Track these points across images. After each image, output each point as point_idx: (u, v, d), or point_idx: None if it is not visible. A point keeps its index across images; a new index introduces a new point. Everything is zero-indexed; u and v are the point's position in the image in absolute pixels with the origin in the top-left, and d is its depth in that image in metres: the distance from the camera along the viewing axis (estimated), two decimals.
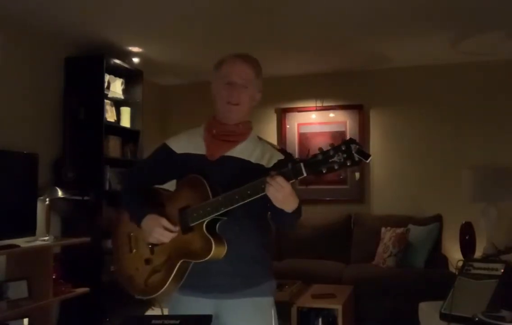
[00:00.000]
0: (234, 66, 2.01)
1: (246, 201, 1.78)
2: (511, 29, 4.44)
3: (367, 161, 1.62)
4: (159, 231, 1.91)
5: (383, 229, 5.21)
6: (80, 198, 4.37)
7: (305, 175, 1.67)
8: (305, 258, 5.33)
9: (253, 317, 1.97)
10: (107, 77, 4.77)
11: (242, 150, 2.00)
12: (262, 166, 1.96)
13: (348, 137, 5.69)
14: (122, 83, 5.05)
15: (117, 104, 5.08)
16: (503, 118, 5.33)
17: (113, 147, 4.90)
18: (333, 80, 5.85)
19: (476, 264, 3.09)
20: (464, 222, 5.01)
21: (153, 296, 1.99)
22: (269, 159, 1.97)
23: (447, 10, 4.02)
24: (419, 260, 4.89)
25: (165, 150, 2.07)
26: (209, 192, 1.86)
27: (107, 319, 4.44)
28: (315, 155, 1.66)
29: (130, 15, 4.11)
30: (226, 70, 2.01)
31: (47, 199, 4.18)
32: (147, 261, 2.00)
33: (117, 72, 4.97)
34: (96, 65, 4.63)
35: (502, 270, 2.89)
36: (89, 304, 4.29)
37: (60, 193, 4.20)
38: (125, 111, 5.10)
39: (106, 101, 4.77)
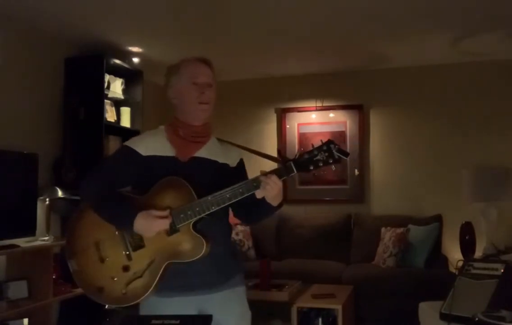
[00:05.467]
0: (200, 66, 2.10)
1: (237, 199, 1.90)
2: (511, 29, 4.44)
3: (347, 158, 1.87)
4: (158, 221, 1.89)
5: (383, 229, 5.21)
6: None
7: (295, 172, 1.89)
8: (305, 258, 5.33)
9: (233, 306, 2.09)
10: (107, 77, 4.77)
11: (208, 151, 2.08)
12: (227, 164, 2.10)
13: (348, 137, 5.75)
14: (122, 83, 5.04)
15: (117, 104, 5.08)
16: (503, 118, 5.33)
17: (113, 147, 4.89)
18: (333, 80, 5.85)
19: (476, 264, 3.09)
20: (464, 222, 5.01)
21: (133, 303, 1.96)
22: (233, 158, 2.13)
23: (447, 10, 4.02)
24: (419, 260, 4.89)
25: (130, 152, 2.02)
26: (193, 193, 1.91)
27: (107, 319, 4.44)
28: (301, 155, 1.89)
29: (130, 15, 4.11)
30: (192, 70, 2.08)
31: (47, 199, 4.18)
32: (125, 268, 1.96)
33: (117, 72, 4.97)
34: (96, 65, 4.63)
35: (502, 270, 2.90)
36: (89, 304, 4.26)
37: (60, 193, 4.20)
38: (125, 111, 5.10)
39: (106, 101, 4.77)
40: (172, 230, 1.92)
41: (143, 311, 2.05)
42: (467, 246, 4.94)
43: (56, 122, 4.57)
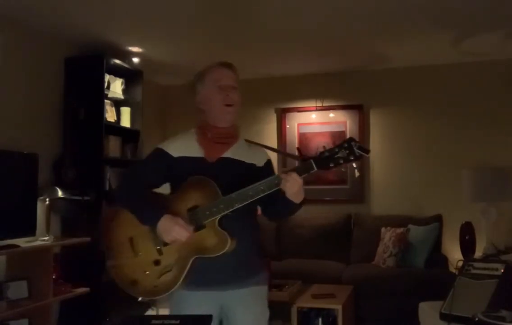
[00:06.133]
0: (224, 70, 2.20)
1: (259, 196, 1.99)
2: (511, 29, 4.44)
3: (367, 155, 1.93)
4: (177, 230, 1.99)
5: (383, 229, 5.21)
6: (80, 198, 4.37)
7: (315, 169, 1.96)
8: (305, 258, 5.33)
9: (254, 304, 2.18)
10: (107, 77, 4.77)
11: (235, 152, 2.18)
12: (254, 164, 2.18)
13: (348, 137, 5.75)
14: (122, 83, 5.04)
15: (117, 104, 5.08)
16: (503, 118, 5.33)
17: (113, 147, 4.90)
18: (333, 80, 5.85)
19: (476, 264, 3.09)
20: (464, 222, 5.01)
21: (163, 295, 2.07)
22: (260, 159, 2.22)
23: (447, 10, 4.02)
24: (419, 260, 4.89)
25: (162, 154, 2.15)
26: (219, 191, 2.01)
27: (107, 319, 4.44)
28: (322, 153, 1.95)
29: (130, 15, 4.11)
30: (217, 75, 2.19)
31: (47, 199, 4.18)
32: (157, 262, 2.08)
33: (117, 72, 4.97)
34: (96, 65, 4.63)
35: (502, 270, 2.90)
36: (89, 304, 4.29)
37: (60, 193, 4.20)
38: (125, 111, 5.10)
39: (106, 101, 4.77)
40: (198, 226, 2.02)
41: (171, 303, 2.17)
42: (467, 246, 4.94)
43: (56, 122, 4.57)
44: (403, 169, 5.66)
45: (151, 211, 2.06)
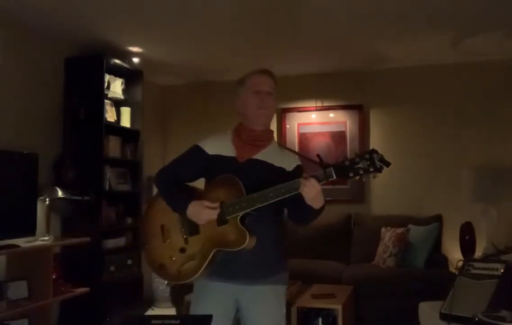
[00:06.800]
0: (261, 77, 2.33)
1: (279, 198, 2.07)
2: (511, 29, 4.44)
3: (388, 168, 1.97)
4: (205, 211, 2.14)
5: (383, 229, 5.21)
6: (80, 198, 4.37)
7: (334, 177, 2.01)
8: (305, 258, 5.32)
9: (271, 302, 2.26)
10: (107, 77, 4.77)
11: (266, 154, 2.29)
12: (283, 169, 2.26)
13: (348, 137, 5.75)
14: (122, 83, 5.05)
15: (117, 104, 5.08)
16: (503, 119, 5.33)
17: (113, 147, 4.90)
18: (333, 80, 5.85)
19: (476, 264, 3.09)
20: (464, 222, 5.01)
21: (185, 281, 2.23)
22: (289, 163, 2.29)
23: (447, 10, 4.02)
24: (419, 260, 4.88)
25: (198, 151, 2.30)
26: (243, 190, 2.12)
27: (107, 319, 4.44)
28: (343, 162, 2.01)
29: (130, 15, 4.11)
30: (254, 81, 2.31)
31: (47, 199, 4.18)
32: (182, 250, 2.23)
33: (117, 72, 4.97)
34: (96, 65, 4.63)
35: (502, 270, 2.90)
36: (89, 304, 4.29)
37: (60, 193, 4.20)
38: (125, 111, 5.10)
39: (106, 101, 4.77)
40: (222, 221, 2.13)
41: (195, 290, 2.34)
42: (467, 246, 4.94)
43: (56, 122, 4.57)
44: (403, 169, 5.65)
45: (181, 199, 2.22)
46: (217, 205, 2.14)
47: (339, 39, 4.79)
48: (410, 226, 5.06)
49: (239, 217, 2.12)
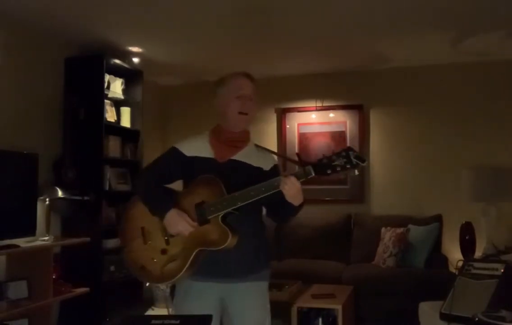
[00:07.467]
0: (244, 80, 2.34)
1: (260, 197, 2.10)
2: (511, 29, 4.44)
3: (364, 164, 2.01)
4: (183, 224, 2.16)
5: (383, 229, 5.21)
6: (80, 198, 4.37)
7: (313, 175, 2.05)
8: (305, 258, 5.33)
9: (256, 299, 2.31)
10: (107, 77, 4.77)
11: (244, 155, 2.32)
12: (261, 168, 2.31)
13: (348, 137, 5.75)
14: (122, 83, 5.05)
15: (117, 104, 5.08)
16: (503, 118, 5.33)
17: (113, 147, 4.90)
18: (333, 80, 5.85)
19: (476, 264, 3.09)
20: (464, 222, 5.01)
21: (168, 282, 2.26)
22: (267, 163, 2.35)
23: (447, 10, 4.02)
24: (419, 260, 4.89)
25: (176, 153, 2.32)
26: (224, 189, 2.14)
27: (107, 319, 4.44)
28: (321, 160, 2.04)
29: (130, 15, 4.11)
30: (237, 84, 2.32)
31: (47, 199, 4.18)
32: (163, 251, 2.23)
33: (117, 72, 4.97)
34: (96, 65, 4.63)
35: (502, 270, 2.90)
36: (89, 304, 4.29)
37: (60, 193, 4.20)
38: (125, 111, 5.10)
39: (106, 101, 4.77)
40: (203, 220, 2.16)
41: (178, 290, 2.35)
42: (467, 246, 4.94)
43: (56, 122, 4.57)
44: (403, 168, 5.66)
45: (160, 203, 2.22)
46: (194, 224, 2.16)
47: (339, 39, 4.79)
48: (410, 226, 5.06)
49: (220, 216, 2.14)
